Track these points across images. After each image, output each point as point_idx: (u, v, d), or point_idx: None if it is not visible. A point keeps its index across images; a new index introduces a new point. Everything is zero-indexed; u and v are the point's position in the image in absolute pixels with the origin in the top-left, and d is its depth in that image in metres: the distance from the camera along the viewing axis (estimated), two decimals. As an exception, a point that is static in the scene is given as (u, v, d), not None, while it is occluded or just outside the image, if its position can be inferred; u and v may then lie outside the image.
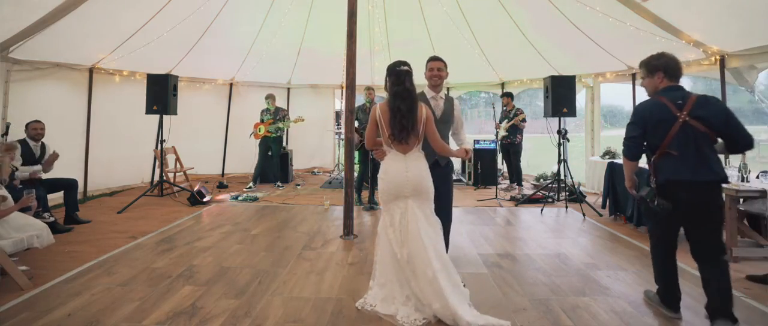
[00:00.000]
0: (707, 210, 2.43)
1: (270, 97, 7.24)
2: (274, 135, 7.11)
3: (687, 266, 3.46)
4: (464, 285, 2.75)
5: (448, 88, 9.02)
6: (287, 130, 8.04)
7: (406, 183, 2.66)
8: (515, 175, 6.95)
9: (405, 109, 2.62)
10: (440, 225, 2.73)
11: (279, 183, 7.30)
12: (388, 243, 2.67)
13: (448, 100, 3.02)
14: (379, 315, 2.57)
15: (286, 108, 8.50)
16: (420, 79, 2.85)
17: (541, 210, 5.53)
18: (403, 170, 2.68)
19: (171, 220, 4.91)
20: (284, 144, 8.63)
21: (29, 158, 4.50)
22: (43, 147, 4.67)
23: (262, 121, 7.15)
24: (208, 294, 2.90)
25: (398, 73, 2.69)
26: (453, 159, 3.16)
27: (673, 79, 2.57)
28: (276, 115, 7.12)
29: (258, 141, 7.14)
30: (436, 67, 2.96)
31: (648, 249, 3.82)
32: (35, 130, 4.58)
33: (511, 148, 6.85)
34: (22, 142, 4.46)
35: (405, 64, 2.74)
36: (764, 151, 12.67)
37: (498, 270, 3.39)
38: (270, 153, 7.26)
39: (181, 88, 6.40)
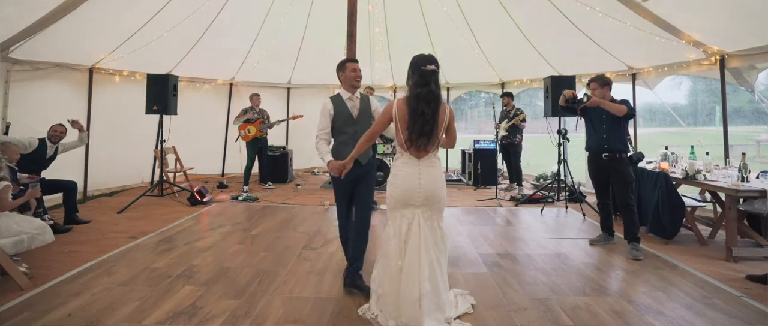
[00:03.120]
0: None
1: (257, 97, 6.99)
2: (264, 135, 6.94)
3: (688, 266, 3.47)
4: (457, 300, 2.70)
5: (447, 89, 9.04)
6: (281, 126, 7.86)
7: (418, 191, 2.46)
8: (515, 175, 6.95)
9: (429, 114, 2.41)
10: (447, 238, 2.57)
11: (269, 183, 7.19)
12: (388, 255, 2.48)
13: (364, 99, 3.02)
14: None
15: (286, 107, 8.49)
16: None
17: (541, 210, 5.53)
18: (416, 176, 2.48)
19: (171, 220, 4.91)
20: (285, 143, 8.66)
21: (40, 156, 4.60)
22: (56, 148, 4.79)
23: (248, 121, 6.80)
24: (208, 294, 2.90)
25: (423, 73, 2.45)
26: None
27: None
28: (263, 115, 6.91)
29: (247, 142, 6.82)
30: (358, 68, 3.01)
31: (649, 249, 3.87)
32: (55, 131, 4.72)
33: (511, 148, 6.85)
34: (41, 141, 4.63)
35: (432, 61, 2.49)
36: (764, 151, 12.66)
37: (498, 270, 3.39)
38: (269, 153, 7.26)
39: (181, 88, 6.40)
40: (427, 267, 2.39)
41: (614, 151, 3.84)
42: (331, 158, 2.79)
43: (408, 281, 2.37)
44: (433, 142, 2.48)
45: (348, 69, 2.97)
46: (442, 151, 2.75)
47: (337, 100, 2.97)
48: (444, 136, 2.57)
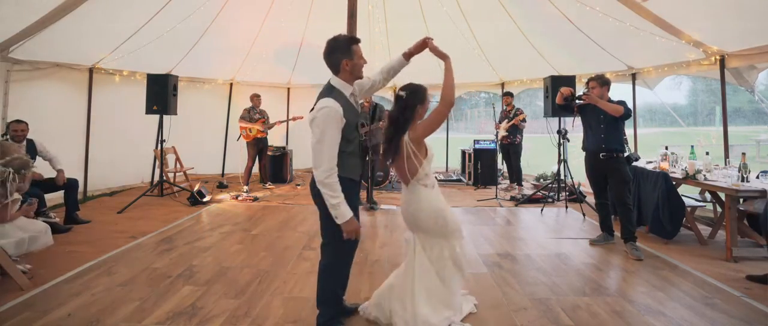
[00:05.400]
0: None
1: (258, 97, 6.97)
2: (265, 135, 6.92)
3: (688, 266, 3.47)
4: (460, 301, 2.70)
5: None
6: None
7: (404, 216, 2.51)
8: (515, 175, 6.95)
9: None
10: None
11: (269, 183, 7.22)
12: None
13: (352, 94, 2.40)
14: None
15: (286, 108, 8.49)
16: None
17: (541, 210, 5.53)
18: (404, 203, 2.50)
19: (171, 220, 4.91)
20: (285, 143, 8.66)
21: None
22: (30, 145, 4.57)
23: (250, 120, 6.76)
24: (208, 294, 2.90)
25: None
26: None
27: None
28: (263, 116, 6.90)
29: (248, 142, 6.79)
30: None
31: (649, 249, 3.87)
32: (15, 131, 4.46)
33: (511, 148, 6.85)
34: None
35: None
36: (764, 151, 12.67)
37: (498, 270, 3.39)
38: (270, 153, 7.29)
39: (181, 88, 6.39)
40: (420, 291, 2.42)
41: (612, 150, 3.87)
42: (349, 210, 2.18)
43: (400, 294, 2.46)
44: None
45: (356, 54, 2.30)
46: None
47: (342, 100, 2.20)
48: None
